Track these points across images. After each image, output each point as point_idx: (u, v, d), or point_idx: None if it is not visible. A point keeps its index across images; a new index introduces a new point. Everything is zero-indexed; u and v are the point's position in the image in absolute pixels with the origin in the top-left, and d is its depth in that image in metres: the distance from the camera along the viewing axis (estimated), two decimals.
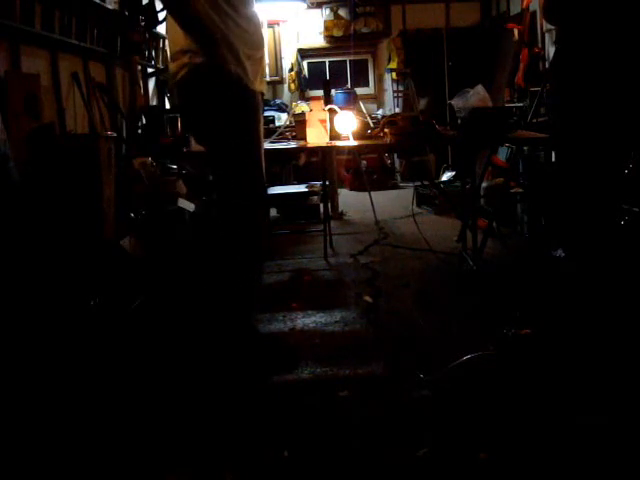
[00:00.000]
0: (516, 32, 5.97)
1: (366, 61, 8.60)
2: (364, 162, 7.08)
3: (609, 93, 2.69)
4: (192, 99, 2.34)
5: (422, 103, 7.59)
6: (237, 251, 2.39)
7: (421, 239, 4.01)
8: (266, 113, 6.88)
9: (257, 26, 2.39)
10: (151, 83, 5.77)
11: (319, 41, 8.26)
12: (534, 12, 6.11)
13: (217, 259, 2.50)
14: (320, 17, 8.23)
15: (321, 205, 5.00)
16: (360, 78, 8.49)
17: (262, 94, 2.47)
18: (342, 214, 5.57)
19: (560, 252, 3.49)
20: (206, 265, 2.52)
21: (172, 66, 2.34)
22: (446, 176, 6.36)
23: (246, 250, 2.40)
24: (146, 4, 5.06)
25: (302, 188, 5.26)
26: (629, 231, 3.18)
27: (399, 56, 7.95)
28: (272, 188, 5.03)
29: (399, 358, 2.43)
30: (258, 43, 2.39)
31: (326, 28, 8.13)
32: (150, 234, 3.62)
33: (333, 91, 6.49)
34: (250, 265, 2.45)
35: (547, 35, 6.05)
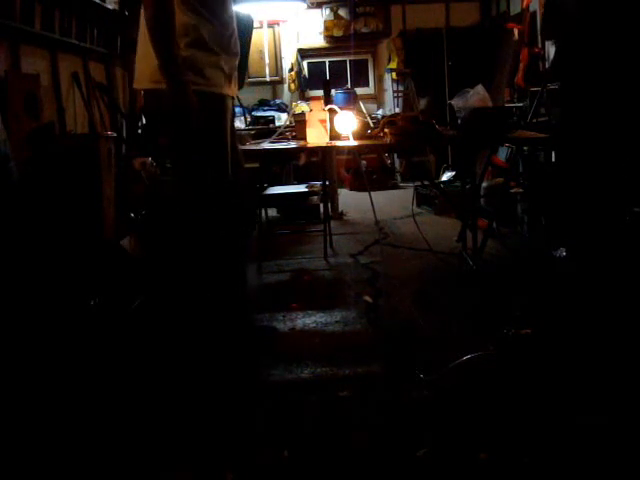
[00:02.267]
0: (516, 32, 5.96)
1: (366, 61, 8.59)
2: (364, 162, 7.08)
3: (611, 94, 2.70)
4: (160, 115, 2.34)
5: (422, 103, 7.59)
6: (217, 255, 2.39)
7: (421, 239, 4.01)
8: (266, 113, 6.90)
9: (234, 31, 2.37)
10: None
11: (319, 41, 8.25)
12: (534, 12, 6.10)
13: (204, 262, 2.49)
14: (320, 17, 8.22)
15: (321, 205, 4.99)
16: (360, 78, 8.48)
17: (233, 98, 2.47)
18: (342, 214, 5.56)
19: (560, 252, 3.49)
20: (202, 266, 2.52)
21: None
22: (446, 176, 6.36)
23: (226, 253, 2.41)
24: None
25: (302, 188, 5.25)
26: (629, 231, 3.18)
27: (399, 56, 7.94)
28: (272, 188, 5.03)
29: (399, 358, 2.43)
30: (234, 48, 2.38)
31: (326, 28, 8.13)
32: (150, 234, 3.62)
33: (333, 91, 6.48)
34: (232, 267, 2.46)
35: None
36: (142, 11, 2.23)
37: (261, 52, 7.77)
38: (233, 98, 2.48)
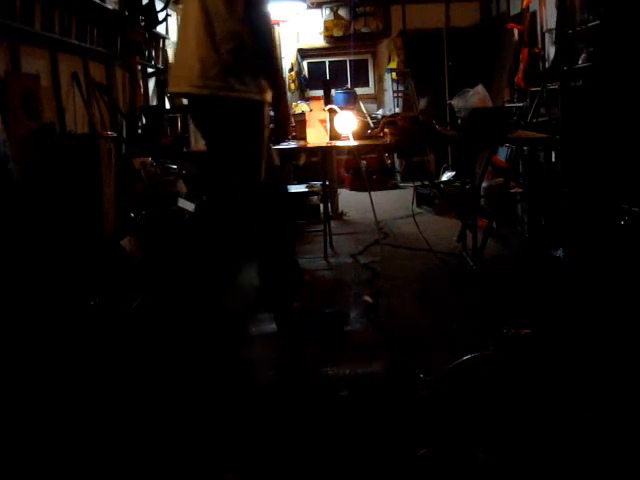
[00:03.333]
0: (516, 32, 5.96)
1: (366, 61, 8.60)
2: (364, 162, 7.08)
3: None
4: (221, 120, 2.38)
5: (422, 103, 7.59)
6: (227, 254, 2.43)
7: (421, 239, 4.01)
8: None
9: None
10: (151, 83, 5.76)
11: (319, 41, 8.26)
12: (534, 12, 6.10)
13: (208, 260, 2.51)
14: (320, 17, 8.23)
15: (321, 205, 4.99)
16: (360, 78, 8.49)
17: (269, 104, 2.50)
18: (342, 214, 5.56)
19: (560, 252, 3.49)
20: (201, 266, 2.53)
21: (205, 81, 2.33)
22: (446, 176, 6.36)
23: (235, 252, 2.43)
24: (146, 4, 5.06)
25: (302, 188, 5.26)
26: (629, 231, 3.19)
27: (399, 56, 7.95)
28: None
29: (399, 358, 2.43)
30: None
31: (326, 28, 8.13)
32: (150, 234, 3.62)
33: (333, 91, 6.48)
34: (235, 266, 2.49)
35: (547, 35, 6.05)
36: (185, 7, 2.30)
37: None
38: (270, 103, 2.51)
